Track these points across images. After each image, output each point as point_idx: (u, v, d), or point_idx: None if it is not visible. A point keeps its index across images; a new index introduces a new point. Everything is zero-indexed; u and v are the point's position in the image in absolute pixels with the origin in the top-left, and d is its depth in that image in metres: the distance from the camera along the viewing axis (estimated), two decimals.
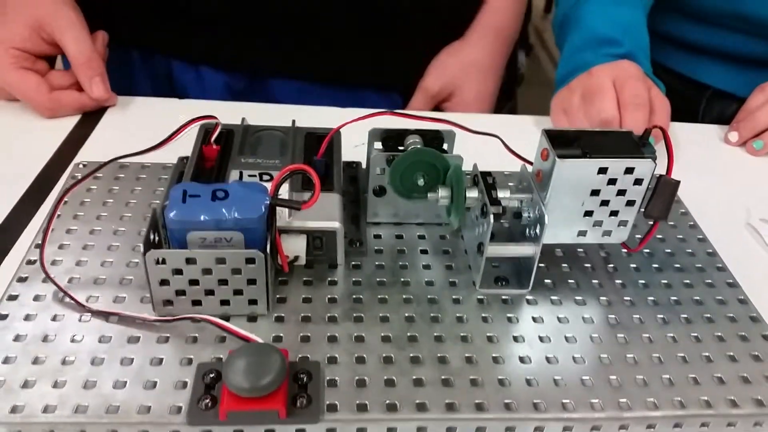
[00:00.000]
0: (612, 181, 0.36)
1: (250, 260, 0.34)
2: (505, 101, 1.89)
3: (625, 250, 0.43)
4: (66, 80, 0.56)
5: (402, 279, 0.40)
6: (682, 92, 0.75)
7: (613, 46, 0.59)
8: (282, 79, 0.66)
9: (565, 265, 0.42)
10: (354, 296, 0.39)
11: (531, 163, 0.40)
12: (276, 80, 0.67)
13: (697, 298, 0.41)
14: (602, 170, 0.36)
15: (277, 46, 0.64)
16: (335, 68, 0.66)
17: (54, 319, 0.36)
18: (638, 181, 0.36)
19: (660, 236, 0.46)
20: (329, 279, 0.40)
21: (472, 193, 0.39)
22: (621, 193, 0.37)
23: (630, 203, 0.37)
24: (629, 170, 0.36)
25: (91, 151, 0.52)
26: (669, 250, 0.45)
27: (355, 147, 0.47)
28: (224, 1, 0.61)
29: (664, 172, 0.38)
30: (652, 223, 0.39)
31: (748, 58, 0.69)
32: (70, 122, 0.56)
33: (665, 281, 0.42)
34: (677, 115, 0.63)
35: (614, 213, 0.38)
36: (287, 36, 0.64)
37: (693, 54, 0.73)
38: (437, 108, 0.70)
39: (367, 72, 0.67)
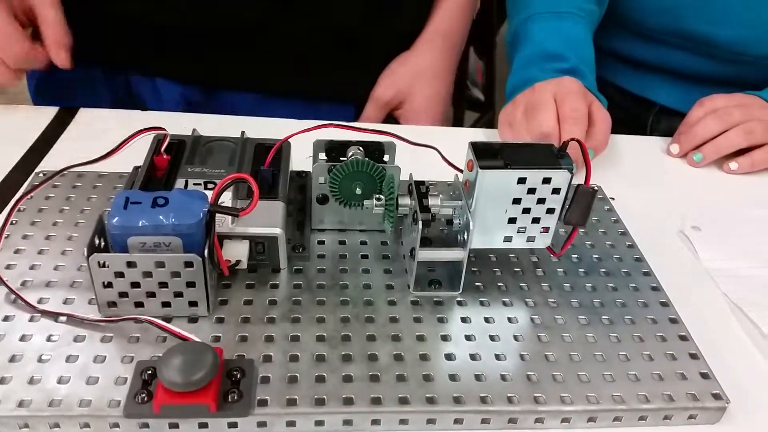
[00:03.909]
0: (531, 191, 0.39)
1: (188, 264, 0.36)
2: (485, 109, 1.92)
3: (552, 255, 0.45)
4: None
5: (341, 282, 0.43)
6: (629, 108, 0.78)
7: (559, 61, 0.62)
8: (237, 91, 0.69)
9: (497, 269, 0.45)
10: (294, 299, 0.41)
11: None
12: (231, 92, 0.69)
13: (621, 300, 0.44)
14: (521, 180, 0.38)
15: (231, 58, 0.67)
16: (289, 81, 0.69)
17: (5, 319, 0.38)
18: (556, 190, 0.39)
19: (589, 243, 0.48)
20: (271, 282, 0.42)
21: (405, 201, 0.41)
22: (541, 201, 0.39)
23: (550, 211, 0.40)
24: (547, 180, 0.38)
25: (54, 162, 0.54)
26: (597, 256, 0.47)
27: (306, 158, 0.50)
28: (178, 14, 0.64)
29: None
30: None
31: (693, 76, 0.72)
32: (34, 133, 0.57)
33: (591, 285, 0.44)
34: (625, 131, 0.66)
35: (536, 220, 0.40)
36: (241, 49, 0.66)
37: (640, 71, 0.76)
38: (390, 116, 0.73)
39: (321, 85, 0.70)
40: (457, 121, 1.69)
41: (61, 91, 0.68)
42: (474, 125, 1.72)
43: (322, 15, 0.65)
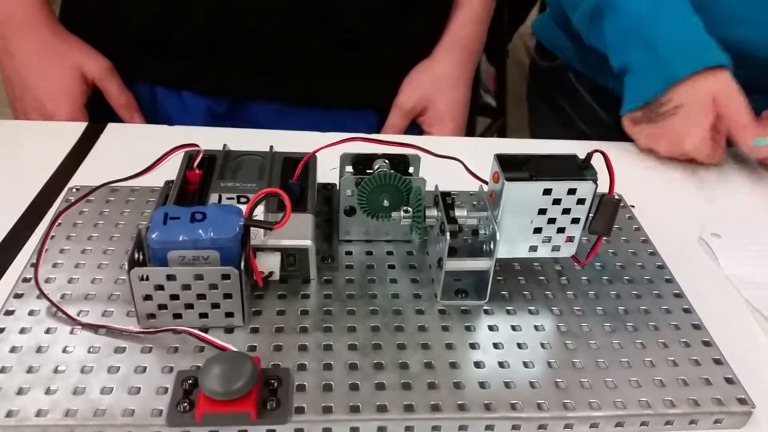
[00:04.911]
0: (557, 201, 0.40)
1: (225, 276, 0.37)
2: (497, 115, 1.93)
3: (576, 264, 0.46)
4: None
5: (370, 292, 0.44)
6: None
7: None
8: (261, 102, 0.70)
9: (522, 278, 0.46)
10: (324, 308, 0.42)
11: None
12: (255, 103, 0.71)
13: (644, 307, 0.44)
14: (547, 191, 0.39)
15: (255, 70, 0.68)
16: (312, 90, 0.70)
17: (47, 331, 0.39)
18: (581, 201, 0.40)
19: (612, 251, 0.49)
20: (302, 293, 0.43)
21: (432, 212, 0.42)
22: (566, 211, 0.40)
23: (575, 221, 0.41)
24: (572, 191, 0.39)
25: (85, 176, 0.56)
26: (620, 264, 0.48)
27: (331, 170, 0.51)
28: (204, 29, 0.65)
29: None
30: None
31: None
32: (65, 148, 0.59)
33: (615, 292, 0.45)
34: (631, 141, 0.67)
35: (561, 230, 0.41)
36: (265, 61, 0.68)
37: None
38: (413, 123, 0.74)
39: (343, 93, 0.72)
40: (470, 128, 1.70)
41: (89, 106, 0.69)
42: (486, 131, 1.73)
43: (341, 23, 0.67)
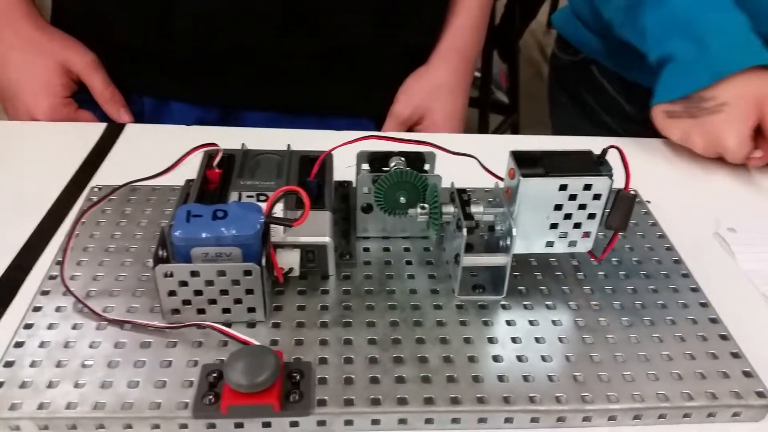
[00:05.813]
0: (573, 197, 0.40)
1: (247, 272, 0.38)
2: (510, 112, 1.93)
3: (593, 259, 0.46)
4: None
5: (388, 288, 0.44)
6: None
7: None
8: (253, 111, 0.70)
9: (538, 273, 0.46)
10: (344, 304, 0.43)
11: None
12: (248, 112, 0.70)
13: (661, 302, 0.45)
14: (563, 187, 0.40)
15: (247, 79, 0.68)
16: (305, 99, 0.70)
17: (74, 327, 0.40)
18: (597, 196, 0.40)
19: (628, 246, 0.49)
20: (322, 289, 0.44)
21: (448, 209, 0.43)
22: (582, 207, 0.41)
23: (591, 216, 0.41)
24: (587, 186, 0.40)
25: (106, 175, 0.57)
26: (636, 259, 0.48)
27: (347, 168, 0.52)
28: (194, 38, 0.65)
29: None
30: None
31: None
32: (86, 148, 0.60)
33: (631, 287, 0.46)
34: (658, 135, 0.67)
35: (578, 225, 0.41)
36: (257, 69, 0.67)
37: None
38: (410, 131, 0.74)
39: (337, 101, 0.71)
40: (482, 125, 1.70)
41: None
42: (499, 128, 1.73)
43: (332, 33, 0.67)
